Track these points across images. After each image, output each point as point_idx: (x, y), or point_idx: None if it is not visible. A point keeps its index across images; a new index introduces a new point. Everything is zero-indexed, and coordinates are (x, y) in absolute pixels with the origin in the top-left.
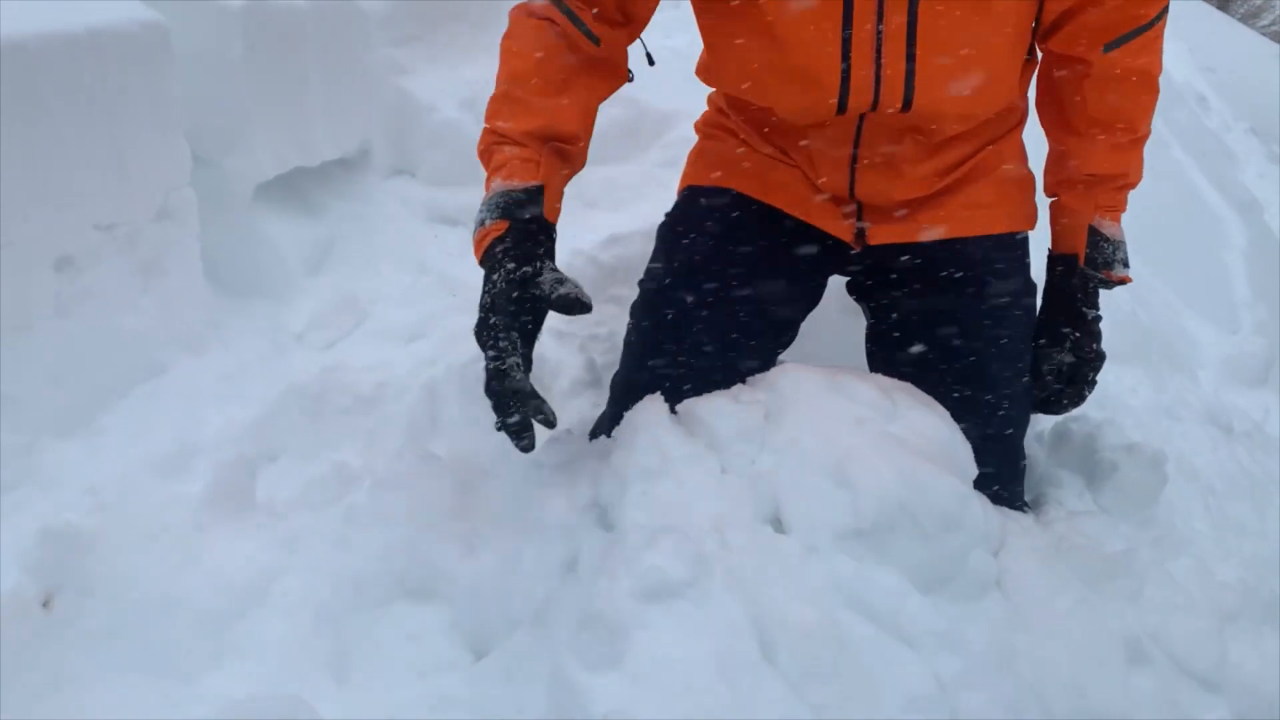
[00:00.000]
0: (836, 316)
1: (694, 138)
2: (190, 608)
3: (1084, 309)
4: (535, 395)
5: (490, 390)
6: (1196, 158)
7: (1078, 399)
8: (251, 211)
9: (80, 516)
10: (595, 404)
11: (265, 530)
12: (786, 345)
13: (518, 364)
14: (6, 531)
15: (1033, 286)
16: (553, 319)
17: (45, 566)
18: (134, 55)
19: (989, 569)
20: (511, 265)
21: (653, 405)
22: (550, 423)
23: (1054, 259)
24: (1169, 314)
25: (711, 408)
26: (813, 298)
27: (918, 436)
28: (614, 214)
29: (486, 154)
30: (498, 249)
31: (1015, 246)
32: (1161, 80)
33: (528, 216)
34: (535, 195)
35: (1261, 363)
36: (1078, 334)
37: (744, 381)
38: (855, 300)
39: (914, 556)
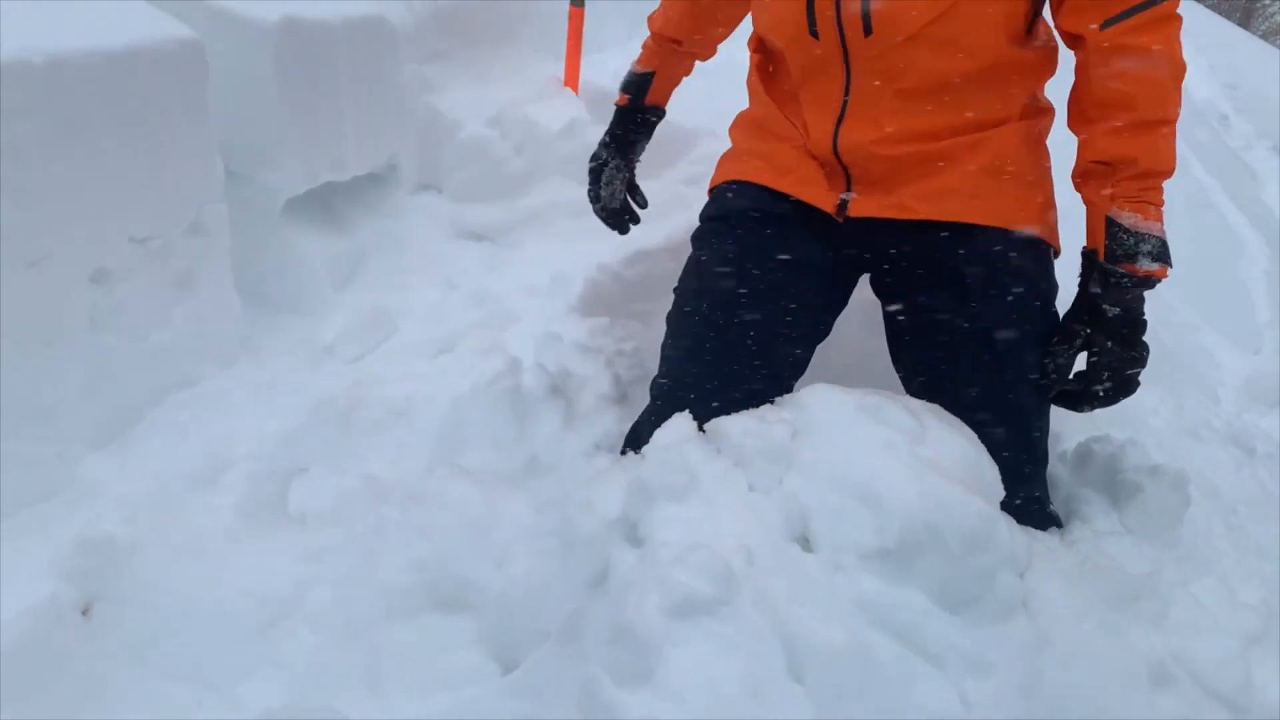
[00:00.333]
0: (860, 335)
1: (716, 154)
2: (225, 618)
3: (1103, 305)
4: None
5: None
6: (1218, 177)
7: (1092, 400)
8: (282, 226)
9: (117, 526)
10: (620, 419)
11: (297, 542)
12: (820, 338)
13: (614, 192)
14: (44, 541)
15: (1042, 289)
16: (579, 335)
17: (83, 575)
18: (171, 72)
19: (1015, 590)
20: (608, 139)
21: (681, 423)
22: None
23: (1082, 256)
24: (1190, 334)
25: (739, 426)
26: (831, 290)
27: (945, 458)
28: (639, 230)
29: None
30: (614, 120)
31: (1017, 245)
32: (1183, 98)
33: (633, 95)
34: (646, 79)
35: None
36: (1089, 330)
37: (778, 386)
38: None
39: (940, 577)
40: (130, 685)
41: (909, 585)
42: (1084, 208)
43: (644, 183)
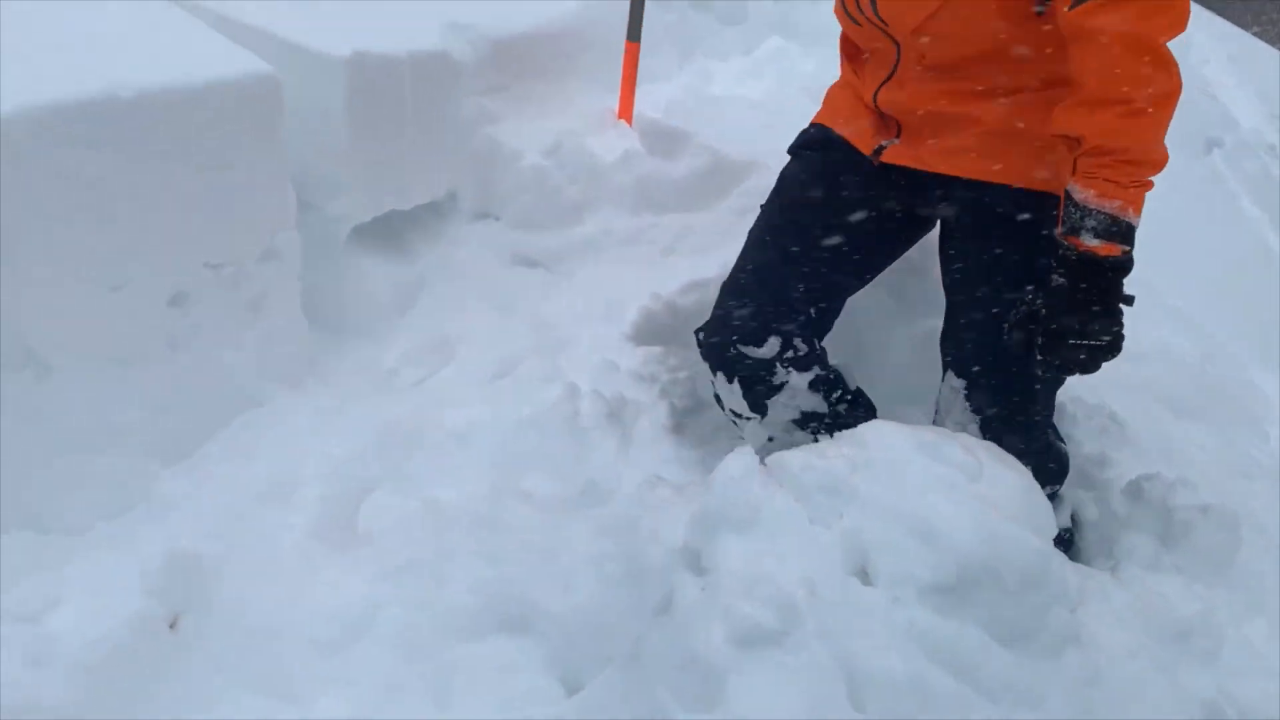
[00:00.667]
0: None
1: (768, 186)
2: (301, 635)
3: (1050, 274)
4: None
5: None
6: (1266, 209)
7: (1033, 363)
8: (347, 253)
9: (200, 543)
10: (677, 446)
11: (367, 563)
12: (877, 271)
13: None
14: (128, 555)
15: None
16: (634, 364)
17: (170, 590)
18: (248, 107)
19: (1068, 625)
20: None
21: (743, 457)
22: None
23: None
24: (1237, 369)
25: (800, 461)
26: (884, 231)
27: (1000, 495)
28: (692, 260)
29: None
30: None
31: (1020, 200)
32: (1229, 129)
33: None
34: None
35: None
36: (1036, 295)
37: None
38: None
39: (995, 612)
40: (214, 695)
41: (965, 620)
42: None
43: (696, 214)
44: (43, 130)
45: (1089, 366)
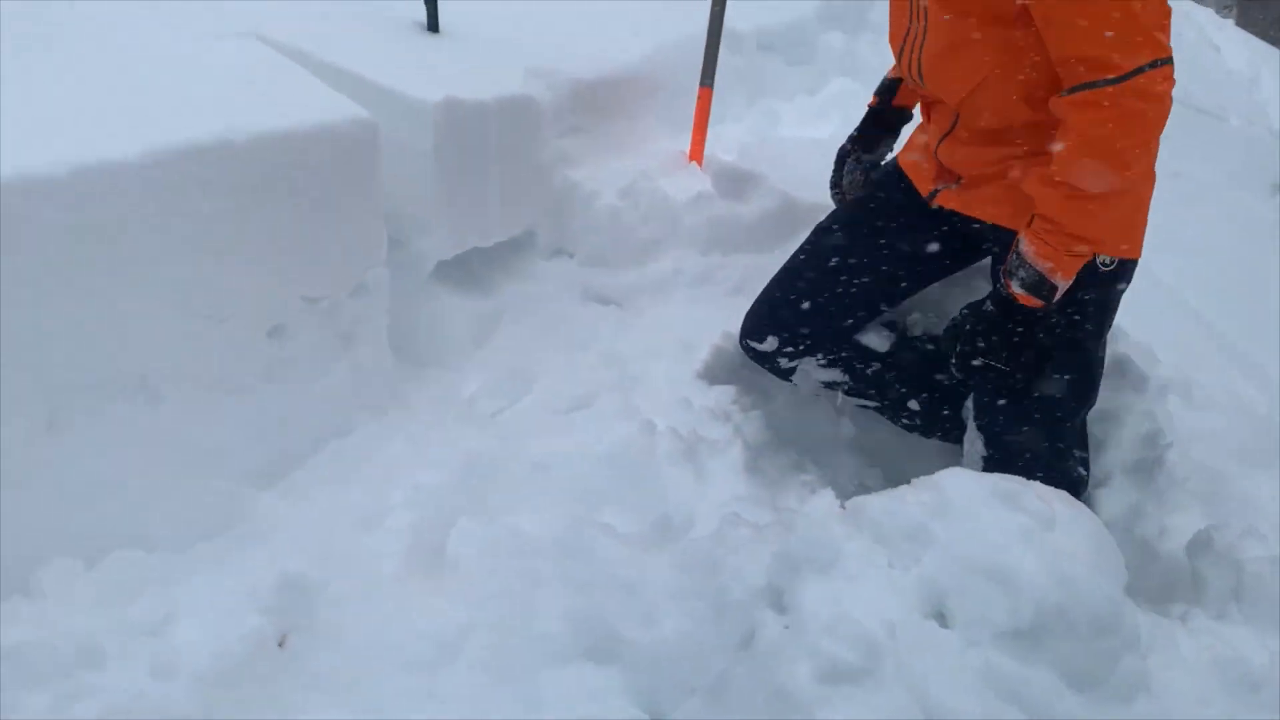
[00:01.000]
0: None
1: None
2: (395, 657)
3: (985, 299)
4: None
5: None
6: None
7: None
8: (431, 287)
9: (304, 564)
10: (750, 485)
11: (458, 588)
12: (905, 294)
13: (854, 183)
14: (235, 574)
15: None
16: (707, 401)
17: (280, 609)
18: (350, 150)
19: (1139, 672)
20: (857, 133)
21: (824, 501)
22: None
23: None
24: None
25: (880, 506)
26: (926, 259)
27: (1074, 543)
28: None
29: None
30: (864, 118)
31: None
32: (1259, 170)
33: (882, 98)
34: (895, 84)
35: None
36: (969, 314)
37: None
38: None
39: (1068, 657)
40: (318, 713)
41: (1039, 664)
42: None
43: (766, 255)
44: (162, 172)
45: (995, 383)
